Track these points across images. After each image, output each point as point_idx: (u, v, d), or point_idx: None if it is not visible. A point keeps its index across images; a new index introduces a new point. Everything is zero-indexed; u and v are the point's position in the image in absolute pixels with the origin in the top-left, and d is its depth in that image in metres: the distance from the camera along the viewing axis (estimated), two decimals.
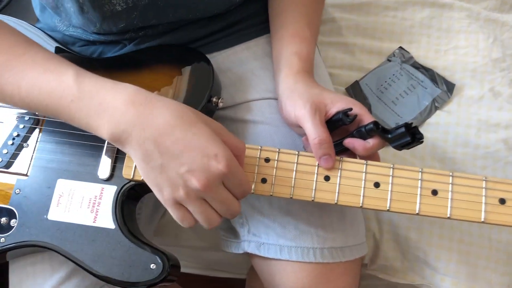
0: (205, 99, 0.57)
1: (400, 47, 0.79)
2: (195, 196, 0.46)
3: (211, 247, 0.80)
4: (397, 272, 0.72)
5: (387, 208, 0.49)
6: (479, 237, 0.69)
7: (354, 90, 0.77)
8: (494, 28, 0.80)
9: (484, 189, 0.48)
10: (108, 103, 0.47)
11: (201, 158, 0.45)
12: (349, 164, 0.51)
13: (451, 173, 0.49)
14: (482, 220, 0.48)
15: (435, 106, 0.75)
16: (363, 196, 0.50)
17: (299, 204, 0.61)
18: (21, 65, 0.50)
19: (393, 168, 0.50)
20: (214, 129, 0.48)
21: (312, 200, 0.50)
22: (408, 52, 0.79)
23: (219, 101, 0.59)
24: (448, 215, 0.48)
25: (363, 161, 0.51)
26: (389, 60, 0.79)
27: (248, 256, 0.67)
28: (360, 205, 0.50)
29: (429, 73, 0.77)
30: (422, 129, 0.74)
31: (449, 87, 0.75)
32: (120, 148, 0.48)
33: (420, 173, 0.50)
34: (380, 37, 0.81)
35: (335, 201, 0.50)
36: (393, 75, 0.78)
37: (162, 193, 0.47)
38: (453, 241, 0.68)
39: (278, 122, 0.66)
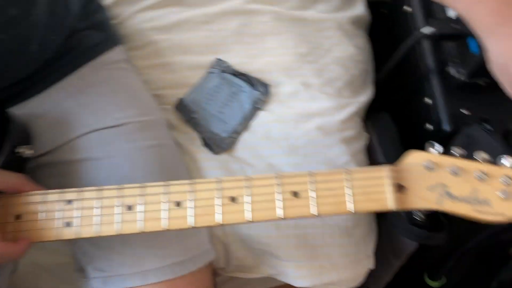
0: (6, 152, 0.57)
1: (218, 58, 0.84)
2: None
3: None
4: (251, 268, 0.77)
5: (191, 225, 0.52)
6: (312, 218, 0.75)
7: (181, 107, 0.81)
8: (298, 25, 0.87)
9: (277, 186, 0.52)
10: None
11: None
12: (149, 189, 0.53)
13: (245, 178, 0.52)
14: (282, 217, 0.51)
15: (256, 107, 0.81)
16: (168, 218, 0.52)
17: None
18: None
19: (192, 184, 0.53)
20: None
21: (119, 234, 0.52)
22: (225, 61, 0.84)
23: (26, 150, 0.60)
24: (249, 219, 0.51)
25: (162, 183, 0.53)
26: (210, 72, 0.83)
27: None
28: (165, 228, 0.52)
29: (247, 77, 0.82)
30: (247, 131, 0.79)
31: (266, 88, 0.81)
32: None
33: (217, 183, 0.52)
34: (200, 51, 0.85)
35: (142, 230, 0.52)
36: (215, 85, 0.82)
37: None
38: (289, 228, 0.74)
39: (101, 154, 0.68)
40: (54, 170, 0.69)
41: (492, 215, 0.50)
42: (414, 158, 0.52)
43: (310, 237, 0.75)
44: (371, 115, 0.89)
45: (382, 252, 0.93)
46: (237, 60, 0.84)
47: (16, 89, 0.68)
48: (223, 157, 0.78)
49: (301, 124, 0.79)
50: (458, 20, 0.72)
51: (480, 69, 0.70)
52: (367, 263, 0.82)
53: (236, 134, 0.79)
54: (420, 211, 0.74)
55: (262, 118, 0.80)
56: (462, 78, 0.74)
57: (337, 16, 0.90)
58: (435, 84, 0.80)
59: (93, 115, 0.69)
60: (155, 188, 0.53)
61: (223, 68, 0.83)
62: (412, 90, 0.87)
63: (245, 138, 0.79)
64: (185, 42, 0.86)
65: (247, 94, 0.81)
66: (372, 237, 0.83)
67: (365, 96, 0.87)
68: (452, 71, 0.76)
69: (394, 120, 0.89)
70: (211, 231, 0.75)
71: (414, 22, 0.85)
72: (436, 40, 0.76)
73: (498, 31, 0.54)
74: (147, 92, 0.79)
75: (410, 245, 0.87)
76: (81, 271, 0.70)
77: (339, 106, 0.81)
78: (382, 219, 0.85)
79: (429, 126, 0.78)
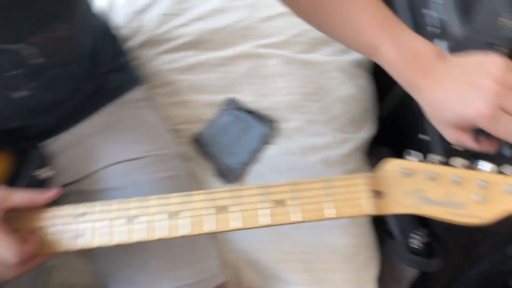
0: (25, 177, 0.64)
1: (230, 97, 0.92)
2: None
3: None
4: None
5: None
6: (316, 245, 0.81)
7: (197, 141, 0.88)
8: (304, 67, 0.95)
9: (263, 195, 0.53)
10: None
11: None
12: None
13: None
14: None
15: (265, 142, 0.88)
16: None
17: (144, 253, 0.70)
18: None
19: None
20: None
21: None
22: (237, 100, 0.92)
23: (43, 173, 0.67)
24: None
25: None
26: (223, 110, 0.91)
27: None
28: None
29: (256, 114, 0.90)
30: (257, 164, 0.86)
31: (274, 124, 0.89)
32: None
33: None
34: (214, 91, 0.94)
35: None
36: (228, 122, 0.90)
37: None
38: (295, 253, 0.80)
39: (120, 185, 0.75)
40: (78, 199, 0.76)
41: (468, 217, 0.50)
42: (391, 166, 0.54)
43: (315, 262, 0.80)
44: (373, 150, 0.96)
45: (383, 278, 0.98)
46: (248, 98, 0.92)
47: (49, 127, 0.76)
48: (234, 186, 0.85)
49: (306, 157, 0.86)
50: None
51: None
52: None
53: (244, 165, 0.86)
54: (416, 239, 0.80)
55: (271, 151, 0.87)
56: None
57: (340, 59, 0.98)
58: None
59: (115, 149, 0.77)
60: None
61: (235, 106, 0.91)
62: (410, 127, 0.94)
63: (256, 169, 0.86)
64: (201, 83, 0.94)
65: (256, 129, 0.89)
66: (374, 264, 0.88)
67: (366, 132, 0.94)
68: None
69: (395, 156, 0.95)
70: (223, 256, 0.81)
71: None
72: None
73: (419, 86, 0.56)
74: (165, 127, 0.87)
75: (409, 273, 0.92)
76: None
77: (341, 141, 0.89)
78: (383, 246, 0.90)
79: None
